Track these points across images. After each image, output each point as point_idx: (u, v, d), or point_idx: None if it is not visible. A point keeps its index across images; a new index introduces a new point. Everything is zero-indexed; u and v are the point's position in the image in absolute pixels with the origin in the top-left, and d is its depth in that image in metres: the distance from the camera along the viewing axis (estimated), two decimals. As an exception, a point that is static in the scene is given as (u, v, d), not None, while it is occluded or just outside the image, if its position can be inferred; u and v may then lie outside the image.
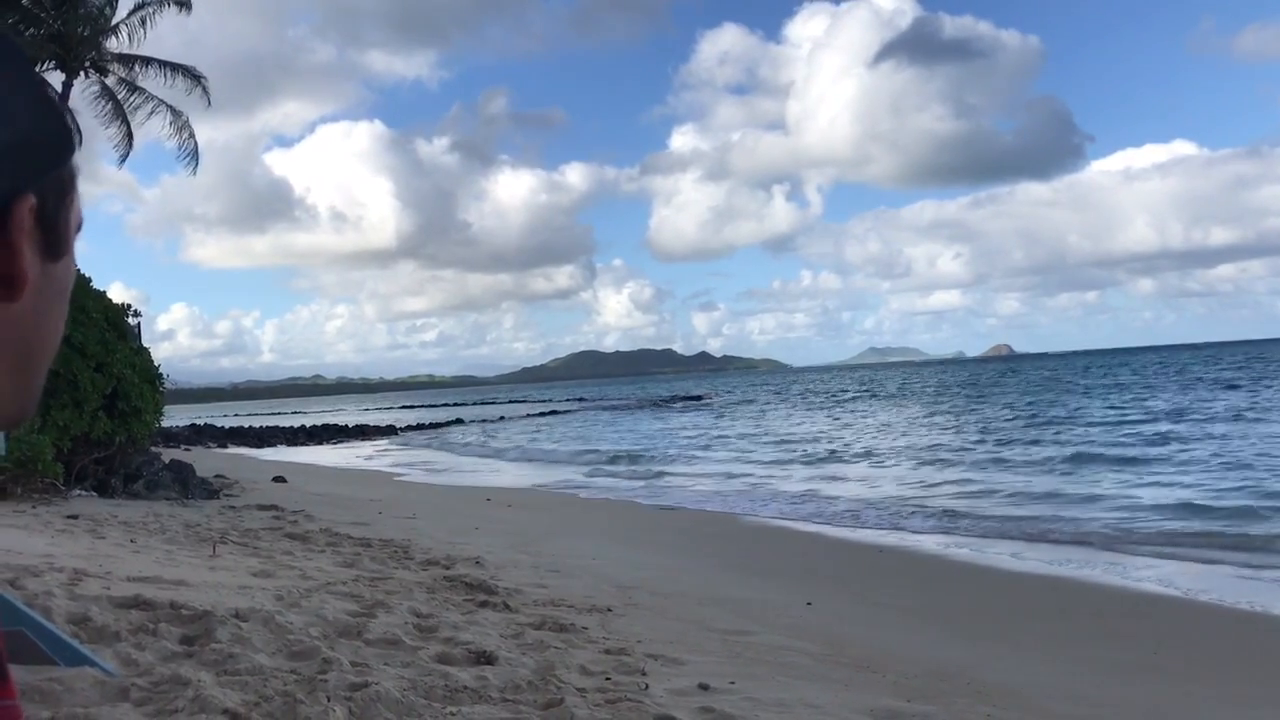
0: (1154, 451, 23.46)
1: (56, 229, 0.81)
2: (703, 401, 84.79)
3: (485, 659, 5.57)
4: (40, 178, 0.80)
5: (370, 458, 35.81)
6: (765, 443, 33.80)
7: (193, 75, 28.02)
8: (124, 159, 28.92)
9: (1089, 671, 6.72)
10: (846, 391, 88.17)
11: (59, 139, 0.81)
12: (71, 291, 0.85)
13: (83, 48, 26.81)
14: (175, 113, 28.33)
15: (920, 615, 8.56)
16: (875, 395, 74.68)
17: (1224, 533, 12.47)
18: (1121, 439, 27.34)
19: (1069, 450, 24.63)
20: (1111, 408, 41.24)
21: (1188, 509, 14.41)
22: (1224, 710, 6.03)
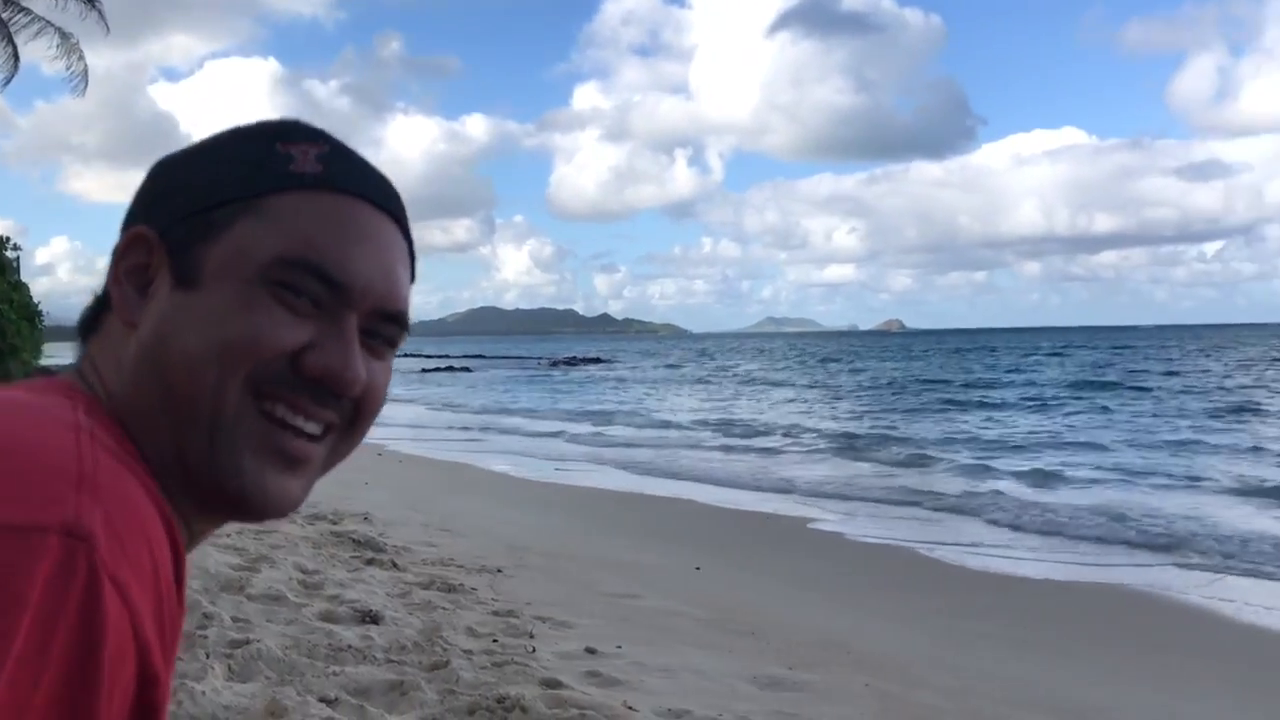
0: (1025, 428, 24.42)
1: (186, 259, 0.83)
2: (602, 364, 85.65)
3: (370, 618, 5.52)
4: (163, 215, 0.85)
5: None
6: (667, 409, 34.02)
7: None
8: (7, 81, 27.45)
9: (960, 643, 6.96)
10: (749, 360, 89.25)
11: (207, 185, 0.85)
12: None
13: (-38, -40, 25.20)
14: (64, 34, 26.87)
15: (805, 584, 8.75)
16: (774, 369, 75.67)
17: (1078, 510, 12.93)
18: (1001, 418, 28.36)
19: (948, 428, 25.47)
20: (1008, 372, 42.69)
21: (1042, 486, 15.16)
22: (1093, 682, 6.30)
